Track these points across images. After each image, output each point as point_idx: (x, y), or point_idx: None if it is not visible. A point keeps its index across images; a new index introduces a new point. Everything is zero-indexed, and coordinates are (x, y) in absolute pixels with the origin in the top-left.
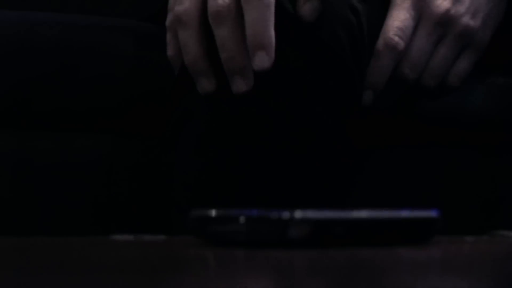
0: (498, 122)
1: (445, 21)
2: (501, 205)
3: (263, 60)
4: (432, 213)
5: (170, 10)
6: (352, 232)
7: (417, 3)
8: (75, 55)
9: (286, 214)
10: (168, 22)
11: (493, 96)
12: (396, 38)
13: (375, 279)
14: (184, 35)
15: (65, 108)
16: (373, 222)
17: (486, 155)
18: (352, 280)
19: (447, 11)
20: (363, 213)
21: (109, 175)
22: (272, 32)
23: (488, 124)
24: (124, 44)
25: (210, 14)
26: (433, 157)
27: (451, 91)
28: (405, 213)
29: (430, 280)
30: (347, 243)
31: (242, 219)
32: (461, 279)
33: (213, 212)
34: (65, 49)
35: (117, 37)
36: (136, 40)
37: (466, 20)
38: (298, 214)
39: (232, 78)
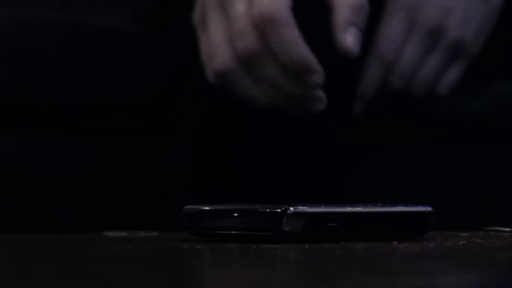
0: (492, 121)
1: (436, 32)
2: (495, 202)
3: (315, 80)
4: (427, 209)
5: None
6: (346, 226)
7: (409, 13)
8: (70, 55)
9: (279, 208)
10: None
11: (485, 96)
12: (385, 50)
13: (369, 273)
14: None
15: (57, 107)
16: (368, 216)
17: (480, 153)
18: (346, 274)
19: (439, 22)
20: (358, 208)
21: (103, 173)
22: (307, 50)
23: (482, 122)
24: (119, 44)
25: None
26: (428, 155)
27: (440, 99)
28: (400, 208)
29: (424, 273)
30: (341, 238)
31: (235, 213)
32: (454, 271)
33: (207, 207)
34: (60, 49)
35: (112, 37)
36: (130, 41)
37: (458, 31)
38: (292, 208)
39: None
